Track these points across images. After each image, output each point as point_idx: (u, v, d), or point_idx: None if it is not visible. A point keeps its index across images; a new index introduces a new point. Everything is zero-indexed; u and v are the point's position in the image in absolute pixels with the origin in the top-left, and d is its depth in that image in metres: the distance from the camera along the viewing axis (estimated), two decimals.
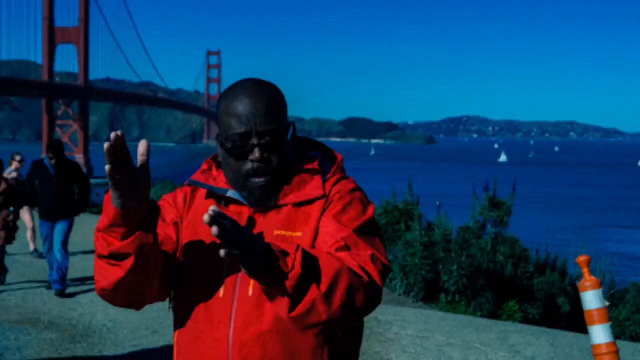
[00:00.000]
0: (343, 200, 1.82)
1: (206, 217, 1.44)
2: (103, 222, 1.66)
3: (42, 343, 6.18)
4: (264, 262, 1.53)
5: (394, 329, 6.59)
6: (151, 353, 5.93)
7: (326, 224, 1.79)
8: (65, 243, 8.24)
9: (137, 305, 1.83)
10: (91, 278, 9.07)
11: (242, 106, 1.77)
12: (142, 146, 1.64)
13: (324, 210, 1.81)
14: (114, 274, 1.69)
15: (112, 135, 1.57)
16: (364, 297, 1.65)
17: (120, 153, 1.59)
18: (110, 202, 1.64)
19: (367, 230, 1.81)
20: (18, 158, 11.67)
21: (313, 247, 1.77)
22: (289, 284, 1.55)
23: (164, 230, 1.87)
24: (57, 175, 8.17)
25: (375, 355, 5.89)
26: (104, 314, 7.19)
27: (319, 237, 1.78)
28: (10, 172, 11.58)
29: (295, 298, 1.56)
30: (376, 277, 1.71)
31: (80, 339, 6.30)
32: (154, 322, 6.83)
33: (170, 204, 1.94)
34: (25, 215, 11.38)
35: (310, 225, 1.80)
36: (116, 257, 1.67)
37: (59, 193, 8.20)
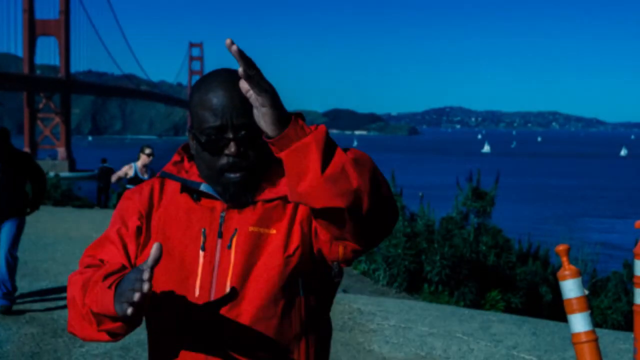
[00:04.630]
0: None
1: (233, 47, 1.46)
2: (98, 308, 1.62)
3: (22, 338, 6.13)
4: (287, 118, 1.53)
5: (376, 319, 6.60)
6: (133, 347, 5.91)
7: None
8: (12, 247, 7.07)
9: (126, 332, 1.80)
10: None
11: (216, 98, 1.69)
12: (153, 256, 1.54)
13: (296, 207, 1.76)
14: (95, 337, 1.69)
15: (137, 295, 1.48)
16: (388, 190, 1.61)
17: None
18: (112, 302, 1.58)
19: None
20: (147, 151, 10.54)
21: (286, 246, 1.72)
22: (317, 136, 1.51)
23: (128, 241, 1.82)
24: (3, 167, 7.08)
25: (358, 345, 5.90)
26: None
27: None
28: (132, 167, 10.65)
29: (325, 156, 1.50)
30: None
31: (61, 333, 6.26)
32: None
33: (134, 203, 1.85)
34: None
35: (284, 223, 1.75)
36: (107, 332, 1.67)
37: (6, 187, 7.06)
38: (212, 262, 1.74)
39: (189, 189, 1.80)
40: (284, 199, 1.76)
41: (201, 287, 1.73)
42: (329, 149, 1.51)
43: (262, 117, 1.51)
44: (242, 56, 1.46)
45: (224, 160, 1.71)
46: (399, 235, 9.71)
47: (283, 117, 1.51)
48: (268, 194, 1.76)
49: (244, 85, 1.53)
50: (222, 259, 1.73)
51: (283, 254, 1.72)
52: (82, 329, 1.70)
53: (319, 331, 1.82)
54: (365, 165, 1.56)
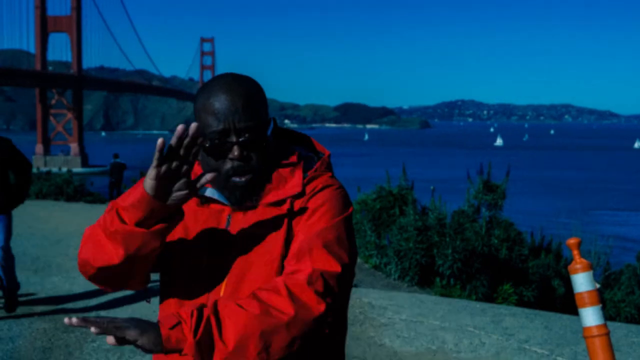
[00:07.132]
0: (315, 203, 1.75)
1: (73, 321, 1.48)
2: (126, 201, 1.62)
3: (34, 333, 6.16)
4: (160, 342, 1.52)
5: (387, 313, 6.58)
6: None
7: (299, 228, 1.73)
8: (5, 244, 6.56)
9: (114, 287, 1.79)
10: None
11: (218, 103, 1.70)
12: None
13: (297, 209, 1.75)
14: (109, 256, 1.65)
15: (193, 129, 1.55)
16: (286, 336, 1.57)
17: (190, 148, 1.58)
18: (141, 186, 1.61)
19: (331, 232, 1.71)
20: None
21: (285, 248, 1.72)
22: (190, 351, 1.51)
23: None
24: None
25: (369, 339, 5.89)
26: (97, 303, 7.18)
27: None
28: None
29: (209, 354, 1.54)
30: (311, 301, 1.60)
31: (73, 329, 6.28)
32: (147, 311, 6.81)
33: None
34: None
35: (284, 225, 1.74)
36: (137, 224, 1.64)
37: None
38: (212, 265, 1.75)
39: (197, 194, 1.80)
40: (286, 202, 1.76)
41: (199, 291, 1.75)
42: (206, 355, 1.53)
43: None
44: (92, 323, 1.48)
45: (228, 165, 1.72)
46: (411, 229, 9.69)
47: (157, 337, 1.51)
48: (271, 196, 1.76)
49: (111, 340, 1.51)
50: (223, 262, 1.75)
51: (281, 257, 1.72)
52: (94, 250, 1.67)
53: (324, 339, 1.74)
54: (251, 342, 1.55)
